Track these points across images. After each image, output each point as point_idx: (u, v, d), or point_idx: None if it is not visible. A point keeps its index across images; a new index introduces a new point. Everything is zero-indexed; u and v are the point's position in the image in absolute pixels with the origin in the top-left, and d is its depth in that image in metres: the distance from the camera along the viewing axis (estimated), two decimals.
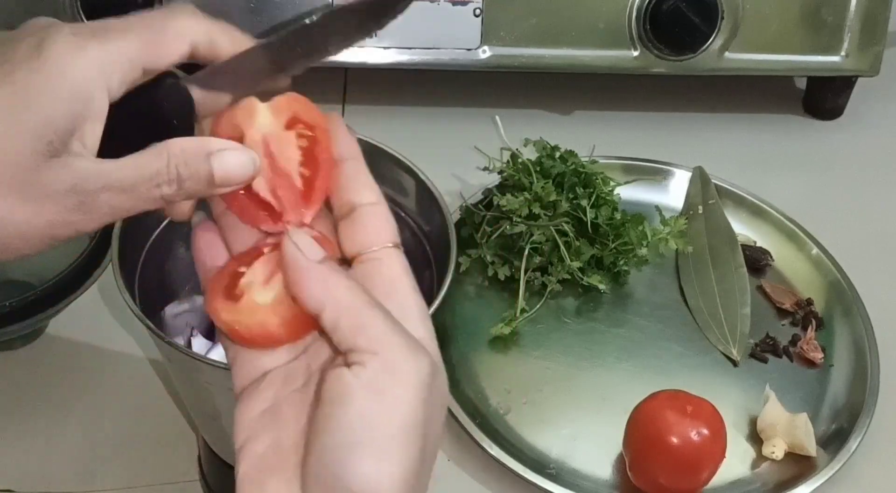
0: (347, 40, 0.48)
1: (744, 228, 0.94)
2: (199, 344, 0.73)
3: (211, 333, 0.74)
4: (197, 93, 0.47)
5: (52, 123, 0.43)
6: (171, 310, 0.72)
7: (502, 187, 0.89)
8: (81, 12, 0.90)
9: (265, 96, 0.48)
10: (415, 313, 0.44)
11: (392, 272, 0.45)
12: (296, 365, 0.45)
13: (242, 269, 0.46)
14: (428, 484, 0.43)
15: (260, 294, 0.45)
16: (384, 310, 0.42)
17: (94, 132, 0.44)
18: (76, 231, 0.45)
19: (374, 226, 0.46)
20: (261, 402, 0.44)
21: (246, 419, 0.44)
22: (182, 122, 0.47)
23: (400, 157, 0.70)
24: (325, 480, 0.41)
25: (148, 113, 0.47)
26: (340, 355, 0.42)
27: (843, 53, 1.01)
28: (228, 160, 0.46)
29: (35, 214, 0.44)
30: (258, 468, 0.43)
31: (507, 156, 0.92)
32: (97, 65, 0.43)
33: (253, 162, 0.46)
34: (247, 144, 0.47)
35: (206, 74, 0.48)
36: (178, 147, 0.45)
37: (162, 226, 0.70)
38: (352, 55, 0.96)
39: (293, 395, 0.44)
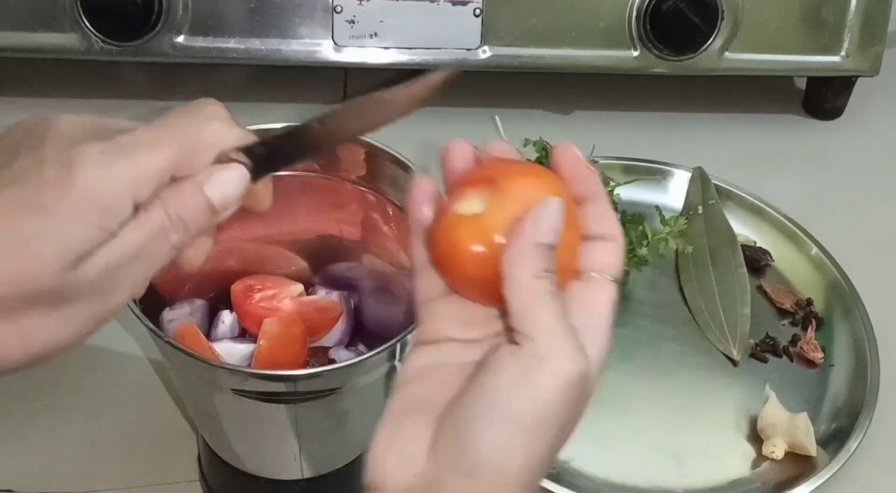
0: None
1: (744, 228, 0.94)
2: None
3: (210, 333, 0.74)
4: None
5: (82, 241, 0.44)
6: (169, 313, 0.72)
7: None
8: (81, 12, 0.90)
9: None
10: (597, 337, 0.46)
11: (599, 298, 0.47)
12: (474, 346, 0.47)
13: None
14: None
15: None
16: (560, 308, 0.44)
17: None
18: (103, 320, 0.46)
19: (607, 257, 0.47)
20: (431, 357, 0.47)
21: (412, 366, 0.48)
22: None
23: (400, 157, 0.70)
24: (455, 439, 0.43)
25: None
26: (510, 333, 0.44)
27: (843, 53, 1.01)
28: (220, 183, 0.47)
29: (66, 320, 0.45)
30: (404, 405, 0.46)
31: None
32: (127, 182, 0.44)
33: (243, 175, 0.47)
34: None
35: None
36: (170, 193, 0.46)
37: None
38: (352, 55, 0.96)
39: (461, 363, 0.46)
